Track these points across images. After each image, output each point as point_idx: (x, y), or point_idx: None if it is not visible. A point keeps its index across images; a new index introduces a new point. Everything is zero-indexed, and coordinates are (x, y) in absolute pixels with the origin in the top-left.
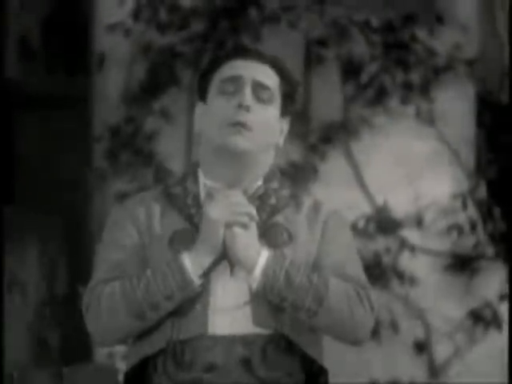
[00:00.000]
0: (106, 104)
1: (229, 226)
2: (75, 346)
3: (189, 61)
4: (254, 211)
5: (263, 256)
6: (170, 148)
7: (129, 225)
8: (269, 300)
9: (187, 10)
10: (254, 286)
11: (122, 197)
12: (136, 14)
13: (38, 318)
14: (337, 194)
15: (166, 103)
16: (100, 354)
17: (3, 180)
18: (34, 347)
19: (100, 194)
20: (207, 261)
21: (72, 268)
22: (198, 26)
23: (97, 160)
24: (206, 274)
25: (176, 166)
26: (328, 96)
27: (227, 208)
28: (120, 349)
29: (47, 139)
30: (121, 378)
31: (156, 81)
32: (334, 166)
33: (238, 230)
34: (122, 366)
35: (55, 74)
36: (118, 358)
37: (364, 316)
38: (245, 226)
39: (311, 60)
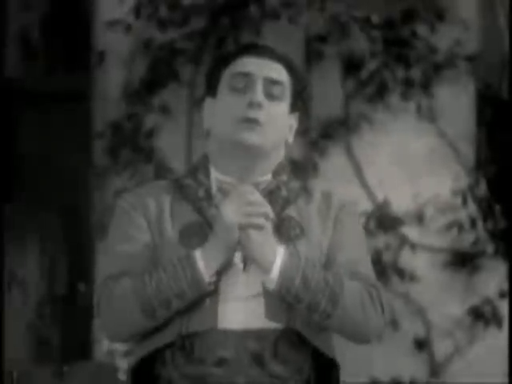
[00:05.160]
0: (107, 101)
1: (244, 227)
2: (75, 344)
3: (189, 57)
4: (269, 210)
5: (279, 255)
6: (170, 144)
7: (138, 215)
8: (285, 300)
9: (187, 6)
10: (272, 287)
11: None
12: (136, 11)
13: (38, 317)
14: (337, 190)
15: (167, 100)
16: (100, 352)
17: (3, 178)
18: (34, 346)
19: (100, 193)
20: (220, 261)
21: (72, 267)
22: (198, 23)
23: (97, 157)
24: (218, 274)
25: (177, 162)
26: (328, 92)
27: (242, 208)
28: (120, 347)
29: (48, 137)
30: (121, 375)
31: (156, 77)
32: (334, 162)
33: (253, 231)
34: (122, 364)
35: (56, 71)
36: (118, 355)
37: (376, 317)
38: (260, 228)
39: (311, 56)
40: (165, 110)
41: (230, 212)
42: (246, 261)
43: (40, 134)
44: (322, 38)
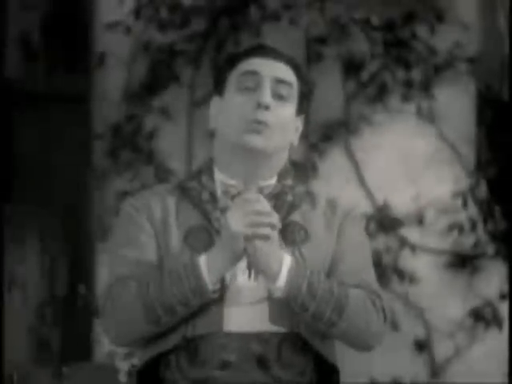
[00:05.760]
0: (107, 102)
1: (250, 238)
2: (75, 345)
3: (189, 59)
4: (276, 220)
5: (285, 264)
6: (170, 146)
7: (143, 218)
8: (291, 307)
9: (188, 8)
10: (278, 295)
11: (123, 196)
12: (136, 13)
13: (38, 318)
14: (337, 192)
15: (167, 101)
16: (100, 353)
17: (3, 179)
18: (34, 347)
19: (100, 193)
20: (224, 269)
21: (72, 268)
22: (198, 24)
23: (97, 159)
24: (223, 281)
25: (177, 164)
26: (328, 94)
27: (249, 217)
28: (121, 349)
29: (47, 138)
30: (121, 377)
31: (156, 79)
32: (334, 164)
33: (259, 241)
34: (122, 366)
35: (56, 72)
36: (119, 357)
37: (378, 326)
38: (267, 238)
39: (312, 58)
40: (165, 111)
41: (235, 221)
42: (252, 269)
43: (40, 135)
44: (322, 40)
